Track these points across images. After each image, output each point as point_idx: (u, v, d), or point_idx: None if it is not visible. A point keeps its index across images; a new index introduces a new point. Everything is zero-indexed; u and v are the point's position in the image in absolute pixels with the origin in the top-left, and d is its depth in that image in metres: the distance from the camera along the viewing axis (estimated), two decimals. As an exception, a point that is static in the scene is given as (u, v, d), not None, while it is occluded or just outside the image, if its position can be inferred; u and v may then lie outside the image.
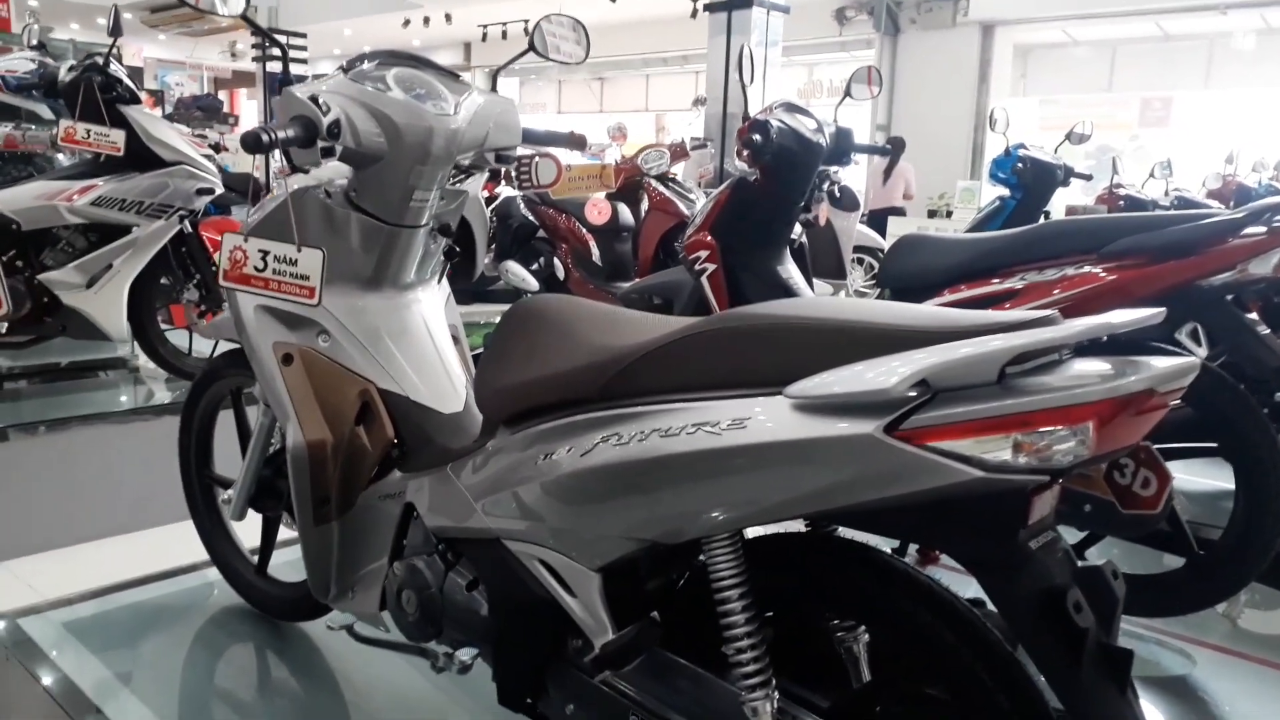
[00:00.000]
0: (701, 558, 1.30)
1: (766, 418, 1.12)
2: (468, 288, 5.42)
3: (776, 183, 2.89)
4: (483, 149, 1.91)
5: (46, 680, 2.01)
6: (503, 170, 2.01)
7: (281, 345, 1.81)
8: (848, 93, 3.14)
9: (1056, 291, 2.38)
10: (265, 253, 1.64)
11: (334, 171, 1.83)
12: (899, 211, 9.56)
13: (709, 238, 2.95)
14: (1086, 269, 2.37)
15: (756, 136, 2.70)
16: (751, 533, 1.30)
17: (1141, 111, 14.17)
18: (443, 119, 1.76)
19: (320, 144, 1.61)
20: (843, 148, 3.02)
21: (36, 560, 2.90)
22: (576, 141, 2.08)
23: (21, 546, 2.86)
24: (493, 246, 6.02)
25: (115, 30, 3.32)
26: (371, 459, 1.80)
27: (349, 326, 1.83)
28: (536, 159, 2.35)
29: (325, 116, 1.60)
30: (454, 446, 1.69)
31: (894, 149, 8.96)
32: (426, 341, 1.91)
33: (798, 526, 1.34)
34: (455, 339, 2.02)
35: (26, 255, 3.47)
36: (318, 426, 1.79)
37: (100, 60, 3.44)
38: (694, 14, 9.37)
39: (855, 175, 9.15)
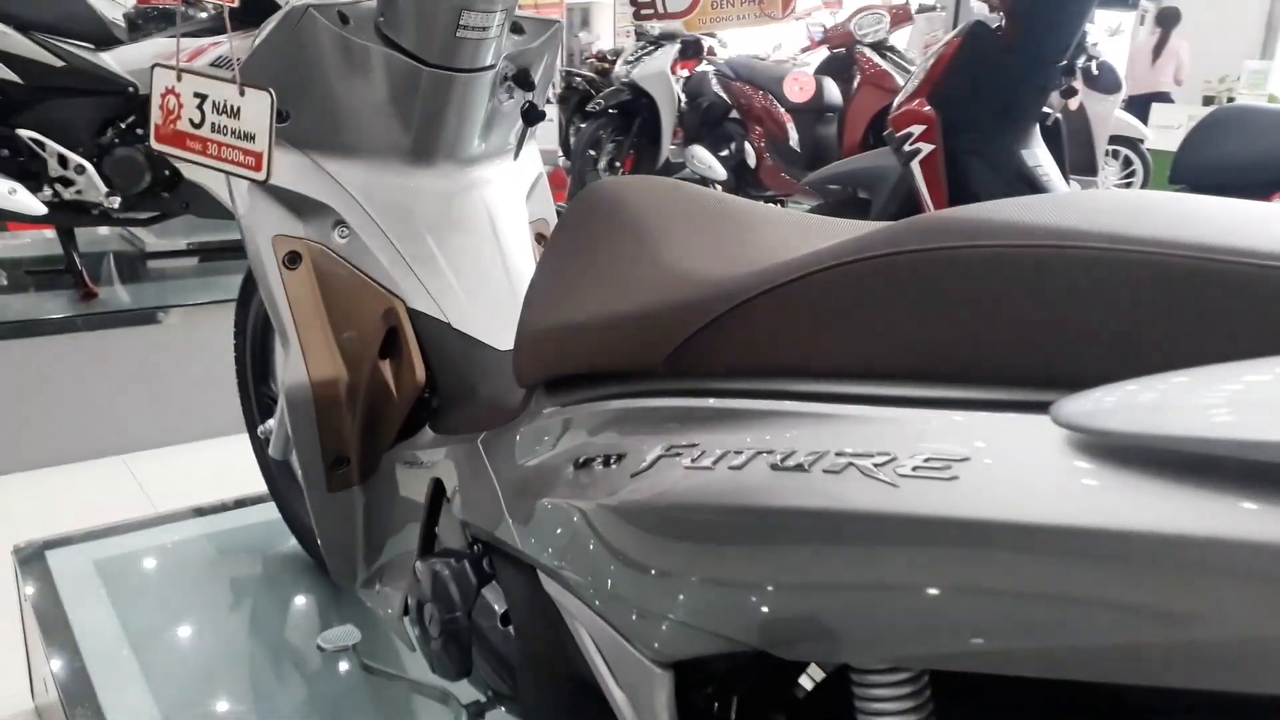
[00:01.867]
0: (854, 688, 0.68)
1: (1046, 467, 0.48)
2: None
3: (1031, 30, 2.04)
4: None
5: (47, 632, 1.64)
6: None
7: (284, 240, 1.27)
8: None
9: None
10: (202, 97, 1.08)
11: None
12: (1165, 98, 8.07)
13: (926, 107, 2.17)
14: None
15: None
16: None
17: None
18: None
19: None
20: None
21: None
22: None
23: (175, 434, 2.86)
24: (679, 129, 5.35)
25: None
26: (398, 407, 1.26)
27: (376, 216, 1.27)
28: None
29: None
30: (500, 404, 1.12)
31: (1166, 21, 7.46)
32: (489, 243, 1.33)
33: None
34: (541, 239, 1.43)
35: (147, 122, 3.12)
36: (327, 357, 1.26)
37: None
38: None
39: (1116, 50, 7.72)
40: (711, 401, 0.67)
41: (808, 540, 0.58)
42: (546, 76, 1.37)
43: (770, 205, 0.94)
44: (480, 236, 1.32)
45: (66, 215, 3.04)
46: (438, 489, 1.19)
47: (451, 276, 1.27)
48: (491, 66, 1.27)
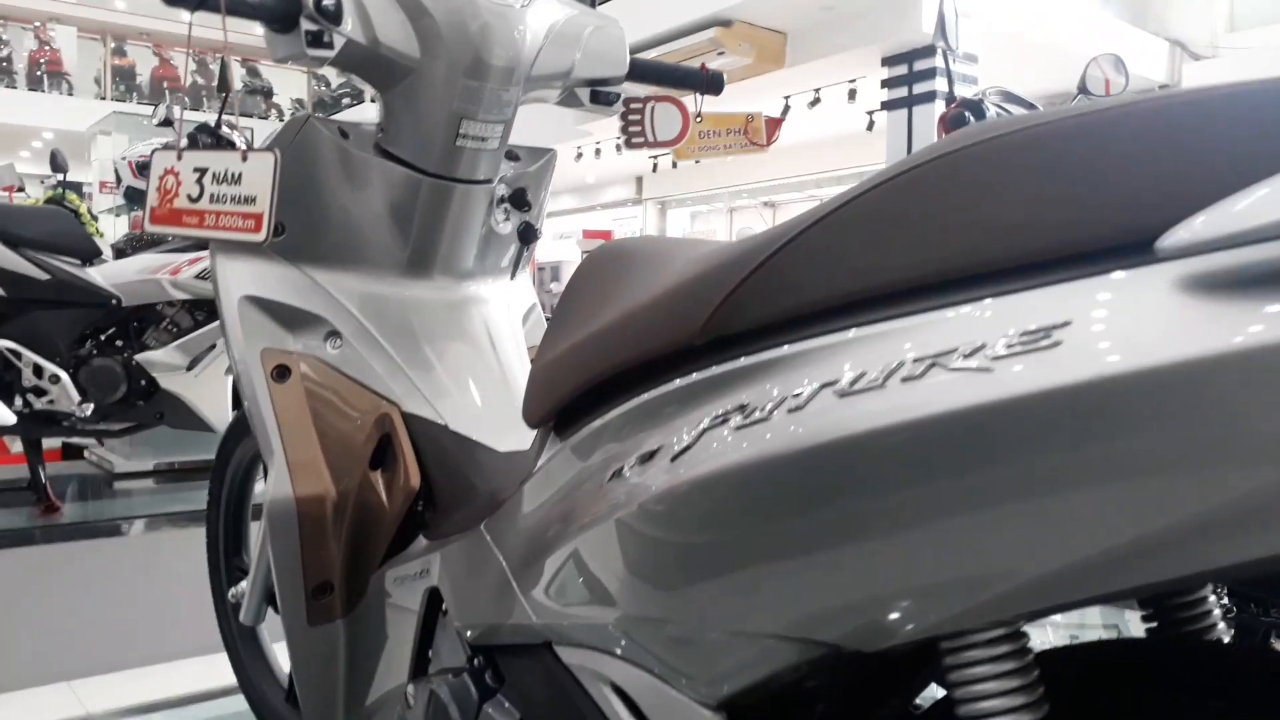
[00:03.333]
0: (946, 686, 0.60)
1: (1159, 307, 0.44)
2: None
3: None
4: (569, 79, 1.32)
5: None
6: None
7: (273, 354, 1.23)
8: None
9: None
10: (202, 171, 1.08)
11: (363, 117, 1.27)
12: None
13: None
14: None
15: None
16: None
17: None
18: (503, 12, 1.19)
19: (305, 26, 1.06)
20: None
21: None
22: (712, 83, 1.46)
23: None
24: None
25: (223, 85, 3.03)
26: (389, 521, 1.17)
27: (371, 325, 1.24)
28: (653, 104, 1.75)
29: None
30: (503, 496, 1.04)
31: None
32: (487, 354, 1.29)
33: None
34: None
35: (127, 334, 3.14)
36: (315, 474, 1.18)
37: (212, 122, 3.15)
38: (870, 126, 8.67)
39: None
40: (761, 356, 0.62)
41: (892, 468, 0.52)
42: (541, 198, 1.39)
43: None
44: (478, 348, 1.29)
45: (36, 425, 2.98)
46: (433, 601, 1.09)
47: (449, 382, 1.22)
48: (489, 181, 1.29)
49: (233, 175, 1.06)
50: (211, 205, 1.06)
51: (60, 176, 4.11)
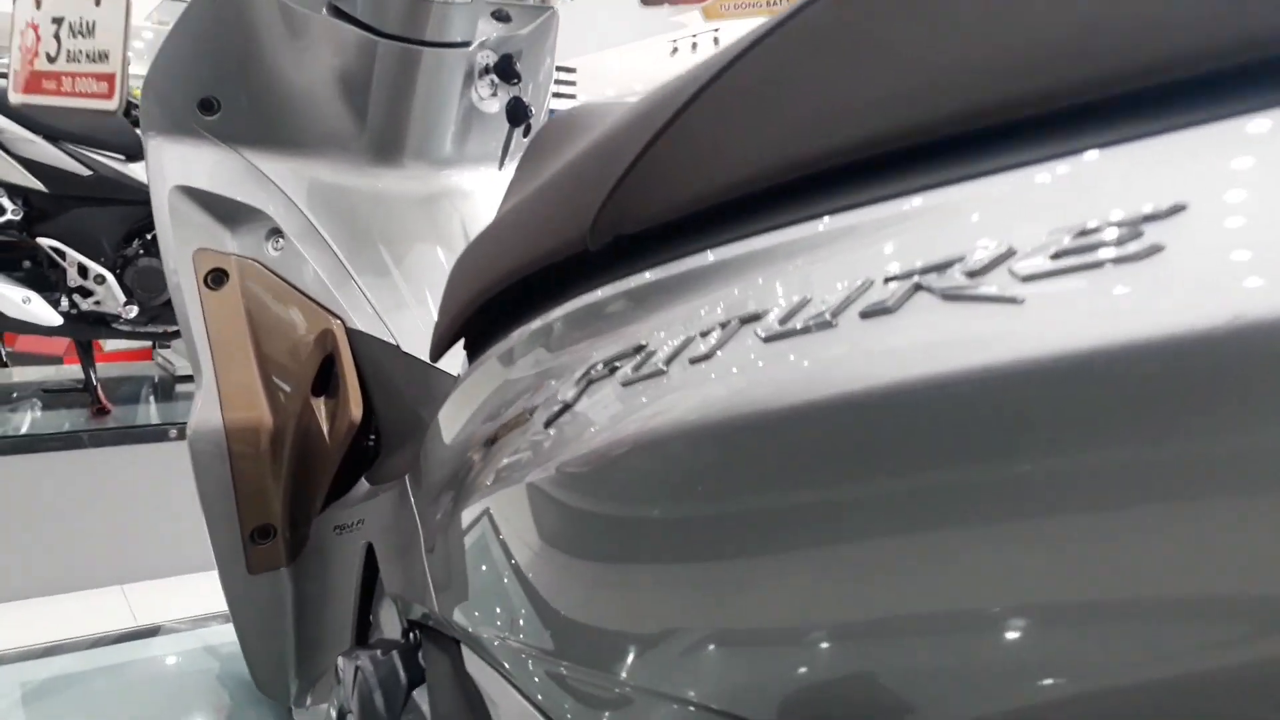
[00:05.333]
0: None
1: None
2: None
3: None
4: None
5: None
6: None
7: (208, 255, 1.04)
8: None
9: None
10: (59, 21, 0.86)
11: None
12: None
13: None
14: None
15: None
16: None
17: None
18: None
19: None
20: None
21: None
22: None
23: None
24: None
25: None
26: (330, 458, 0.98)
27: (318, 222, 1.03)
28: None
29: None
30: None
31: None
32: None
33: None
34: None
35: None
36: (249, 398, 1.00)
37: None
38: None
39: None
40: (663, 270, 0.39)
41: (850, 461, 0.29)
42: (536, 71, 1.15)
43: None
44: (450, 251, 1.07)
45: (83, 327, 2.91)
46: (370, 557, 0.90)
47: (406, 292, 1.01)
48: (465, 44, 1.05)
49: (87, 26, 0.85)
50: (68, 65, 0.86)
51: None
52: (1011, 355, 0.25)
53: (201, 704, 1.50)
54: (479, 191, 1.13)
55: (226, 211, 1.04)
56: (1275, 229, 0.22)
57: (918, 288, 0.28)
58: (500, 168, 1.17)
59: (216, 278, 1.03)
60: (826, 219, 0.32)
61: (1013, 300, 0.25)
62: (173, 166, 1.04)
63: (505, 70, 1.11)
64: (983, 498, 0.26)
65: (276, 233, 1.03)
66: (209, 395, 1.00)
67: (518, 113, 1.14)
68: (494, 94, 1.12)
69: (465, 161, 1.13)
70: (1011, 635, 0.26)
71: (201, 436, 0.99)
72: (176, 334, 3.18)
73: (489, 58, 1.10)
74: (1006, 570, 0.26)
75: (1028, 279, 0.25)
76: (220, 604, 2.12)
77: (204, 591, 2.64)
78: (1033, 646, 0.26)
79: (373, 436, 0.98)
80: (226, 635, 1.71)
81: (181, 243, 1.04)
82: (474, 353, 0.65)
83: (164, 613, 2.47)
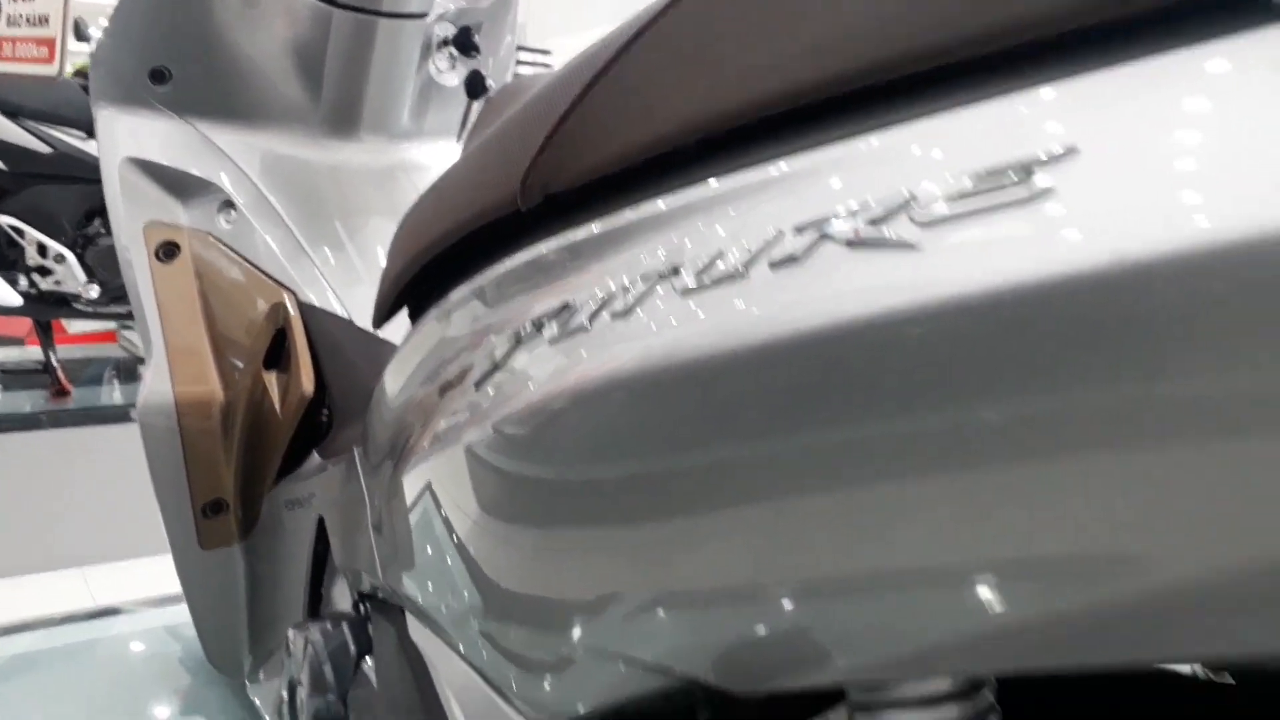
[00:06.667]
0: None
1: None
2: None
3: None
4: None
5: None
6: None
7: (159, 228, 1.03)
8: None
9: None
10: None
11: None
12: None
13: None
14: None
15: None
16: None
17: None
18: None
19: None
20: None
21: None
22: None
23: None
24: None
25: None
26: (283, 432, 0.97)
27: (270, 193, 1.02)
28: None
29: None
30: None
31: None
32: (414, 231, 1.06)
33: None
34: None
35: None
36: (200, 372, 0.99)
37: None
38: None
39: None
40: (589, 228, 0.39)
41: (761, 411, 0.29)
42: (496, 45, 1.14)
43: None
44: (404, 224, 1.06)
45: (43, 307, 2.86)
46: (322, 532, 0.90)
47: (360, 266, 1.01)
48: (422, 15, 1.04)
49: (27, -15, 0.83)
50: (8, 30, 0.84)
51: (86, 46, 3.93)
52: (912, 300, 0.25)
53: (158, 683, 1.49)
54: (436, 165, 1.13)
55: (178, 183, 1.03)
56: (1159, 171, 0.22)
57: (823, 237, 0.28)
58: (459, 141, 1.17)
59: (168, 250, 1.02)
60: (740, 173, 0.32)
61: (912, 247, 0.26)
62: (123, 138, 1.03)
63: (464, 43, 1.10)
64: (900, 442, 0.26)
65: (229, 205, 1.02)
66: (159, 369, 0.99)
67: (476, 86, 1.13)
68: (453, 67, 1.12)
69: (423, 135, 1.12)
70: (941, 584, 0.27)
71: (151, 410, 0.98)
72: (138, 314, 3.14)
73: (447, 30, 1.09)
74: (926, 516, 0.26)
75: (926, 225, 0.26)
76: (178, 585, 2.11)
77: (163, 574, 2.62)
78: (960, 593, 0.26)
79: (326, 411, 0.98)
80: (184, 616, 1.70)
81: (132, 215, 1.03)
82: (416, 320, 0.64)
83: (123, 595, 2.45)
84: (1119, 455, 0.22)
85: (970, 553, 0.26)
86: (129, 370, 3.43)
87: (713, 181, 0.33)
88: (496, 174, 0.45)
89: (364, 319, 0.98)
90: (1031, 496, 0.24)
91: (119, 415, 2.75)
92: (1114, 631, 0.24)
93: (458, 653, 0.53)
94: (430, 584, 0.54)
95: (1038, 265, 0.23)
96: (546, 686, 0.44)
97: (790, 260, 0.28)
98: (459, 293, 0.49)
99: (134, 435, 2.75)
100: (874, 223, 0.27)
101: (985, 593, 0.26)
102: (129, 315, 3.09)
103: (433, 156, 1.13)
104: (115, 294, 2.92)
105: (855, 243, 0.27)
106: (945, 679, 0.34)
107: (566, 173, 0.40)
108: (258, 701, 1.05)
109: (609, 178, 0.39)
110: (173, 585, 2.42)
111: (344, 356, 0.96)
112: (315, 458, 0.95)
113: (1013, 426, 0.24)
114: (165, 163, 1.02)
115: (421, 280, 0.57)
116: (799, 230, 0.29)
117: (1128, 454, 0.22)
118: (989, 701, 0.35)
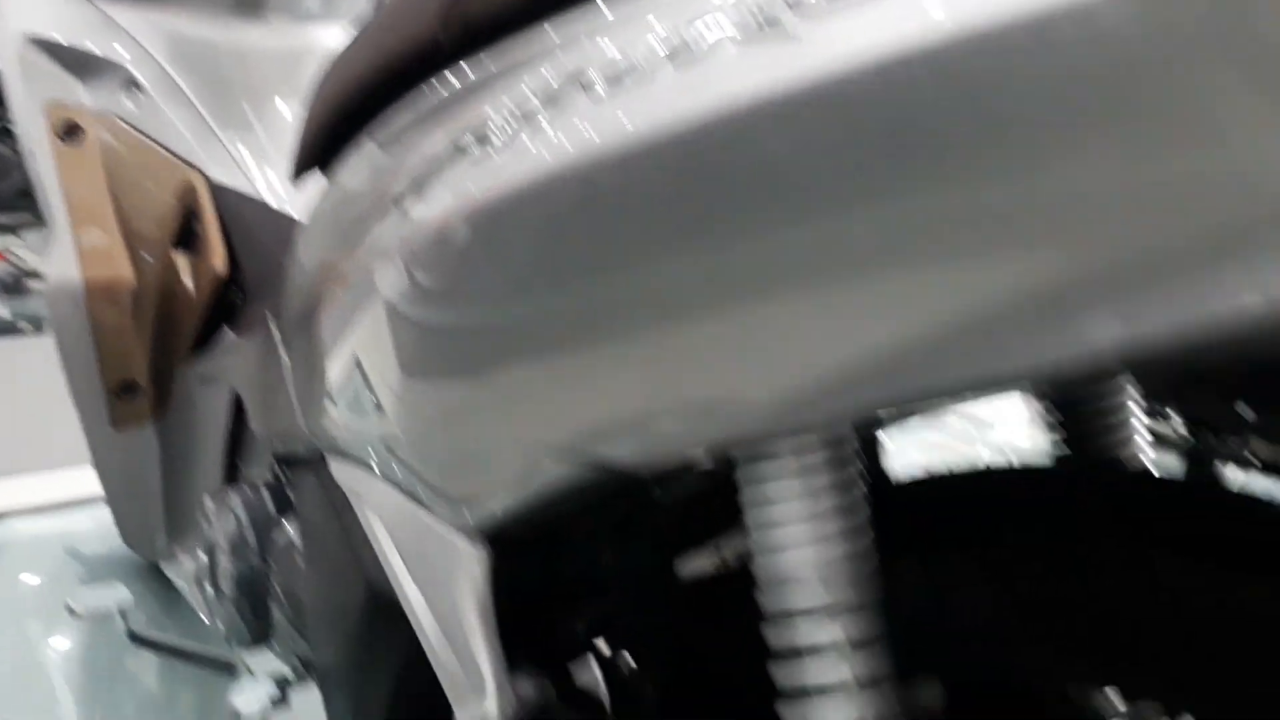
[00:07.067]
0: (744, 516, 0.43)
1: None
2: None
3: None
4: None
5: None
6: None
7: (61, 108, 1.01)
8: None
9: None
10: None
11: None
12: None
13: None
14: None
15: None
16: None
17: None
18: None
19: None
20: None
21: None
22: None
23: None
24: None
25: None
26: (195, 312, 0.99)
27: (177, 73, 1.01)
28: None
29: None
30: None
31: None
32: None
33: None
34: None
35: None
36: (108, 255, 0.99)
37: None
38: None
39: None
40: (501, 52, 0.43)
41: (670, 200, 0.34)
42: None
43: None
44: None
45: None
46: (237, 405, 0.92)
47: (271, 147, 1.02)
48: None
49: None
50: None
51: None
52: (805, 78, 0.30)
53: (68, 576, 1.49)
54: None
55: (79, 63, 1.02)
56: None
57: (722, 40, 0.32)
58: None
59: (70, 131, 1.01)
60: None
61: (795, 39, 0.30)
62: (19, 15, 1.01)
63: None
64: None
65: (133, 85, 1.01)
66: (65, 252, 0.99)
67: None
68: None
69: (333, 16, 1.12)
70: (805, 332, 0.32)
71: (60, 293, 0.98)
72: (26, 224, 3.02)
73: None
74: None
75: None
76: (78, 493, 2.08)
77: (59, 489, 2.57)
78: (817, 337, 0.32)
79: (238, 290, 1.00)
80: (79, 523, 1.69)
81: (31, 94, 1.01)
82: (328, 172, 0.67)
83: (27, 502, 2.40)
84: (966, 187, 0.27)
85: (826, 289, 0.31)
86: (15, 284, 3.31)
87: None
88: (416, 11, 0.48)
89: (275, 199, 1.00)
90: (888, 233, 0.29)
91: (6, 328, 2.67)
92: (947, 352, 0.30)
93: (379, 476, 0.57)
94: (350, 415, 0.58)
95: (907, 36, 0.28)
96: (462, 486, 0.49)
97: (689, 57, 0.33)
98: (370, 139, 0.52)
99: (22, 349, 2.68)
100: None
101: (839, 329, 0.31)
102: (14, 228, 2.98)
103: (341, 39, 1.13)
104: (3, 204, 2.80)
105: (748, 35, 0.31)
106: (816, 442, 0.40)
107: (487, 1, 0.44)
108: (174, 578, 1.08)
109: (528, 5, 0.42)
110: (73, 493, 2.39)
111: (255, 236, 0.97)
112: (228, 335, 0.97)
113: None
114: (65, 41, 1.00)
115: (341, 131, 0.60)
116: (693, 22, 0.33)
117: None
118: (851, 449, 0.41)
